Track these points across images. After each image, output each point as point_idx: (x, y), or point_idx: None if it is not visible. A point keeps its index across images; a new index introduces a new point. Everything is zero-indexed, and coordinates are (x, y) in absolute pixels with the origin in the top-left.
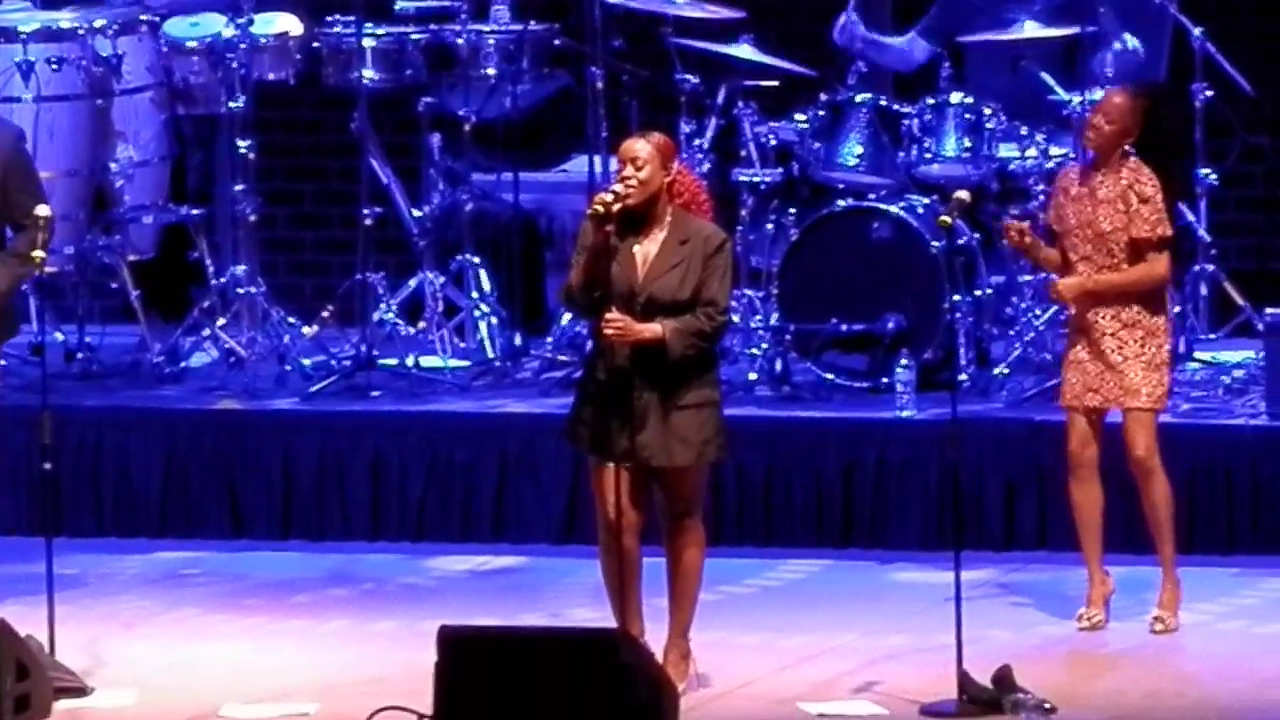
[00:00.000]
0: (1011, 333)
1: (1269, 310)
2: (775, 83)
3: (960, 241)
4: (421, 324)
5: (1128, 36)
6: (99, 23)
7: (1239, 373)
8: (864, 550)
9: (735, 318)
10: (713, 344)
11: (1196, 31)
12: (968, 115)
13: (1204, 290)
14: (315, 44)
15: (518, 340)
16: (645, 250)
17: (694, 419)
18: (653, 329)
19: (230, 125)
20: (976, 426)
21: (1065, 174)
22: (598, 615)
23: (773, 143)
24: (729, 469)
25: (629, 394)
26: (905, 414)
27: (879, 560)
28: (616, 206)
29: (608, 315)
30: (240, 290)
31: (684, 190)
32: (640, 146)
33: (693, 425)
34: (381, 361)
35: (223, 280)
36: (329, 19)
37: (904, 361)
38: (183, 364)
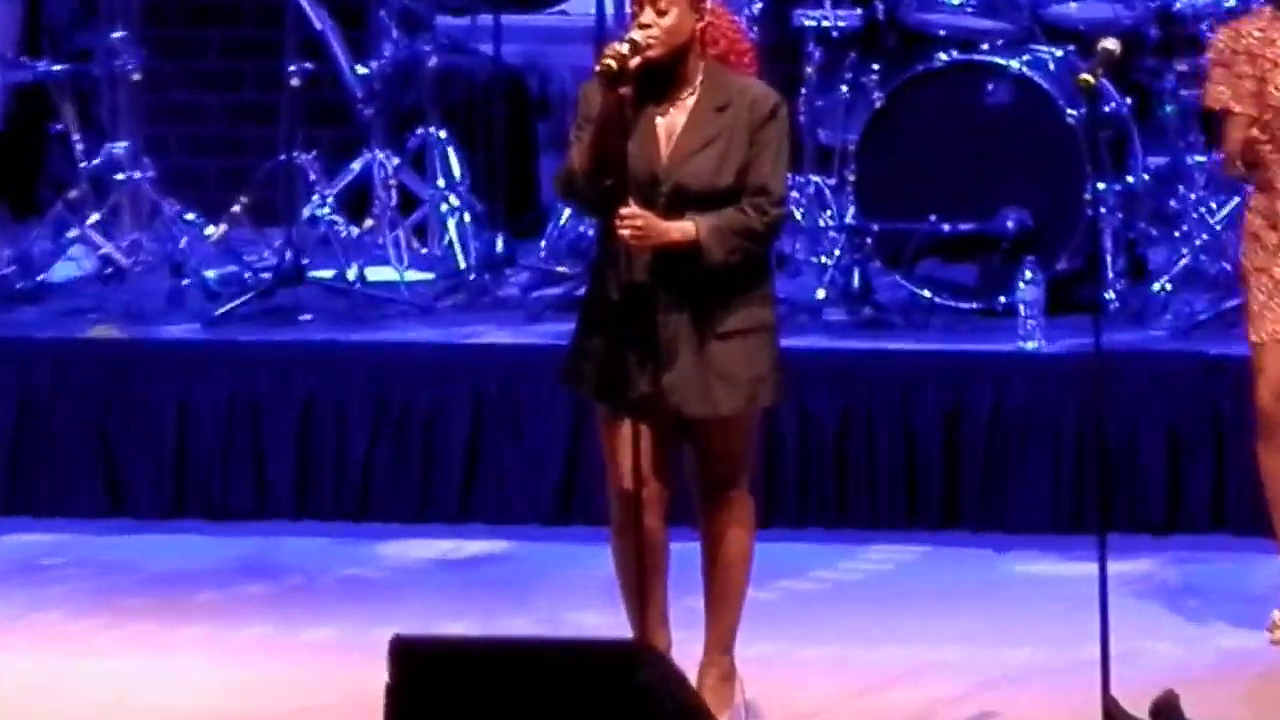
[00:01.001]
0: (1177, 235)
1: None
2: None
3: (1107, 109)
4: (368, 222)
5: None
6: None
7: None
8: (974, 532)
9: (796, 212)
10: (765, 247)
11: None
12: None
13: None
14: None
15: (499, 245)
16: (671, 121)
17: (740, 351)
18: (683, 228)
19: None
20: (1129, 363)
21: (1238, 28)
22: (608, 621)
23: None
24: (788, 420)
25: (651, 318)
26: (1031, 345)
27: (994, 547)
28: (634, 62)
29: (622, 211)
30: (120, 175)
31: (719, 38)
32: None
33: (739, 359)
34: (313, 274)
35: (95, 162)
36: None
37: (1029, 274)
38: (40, 277)
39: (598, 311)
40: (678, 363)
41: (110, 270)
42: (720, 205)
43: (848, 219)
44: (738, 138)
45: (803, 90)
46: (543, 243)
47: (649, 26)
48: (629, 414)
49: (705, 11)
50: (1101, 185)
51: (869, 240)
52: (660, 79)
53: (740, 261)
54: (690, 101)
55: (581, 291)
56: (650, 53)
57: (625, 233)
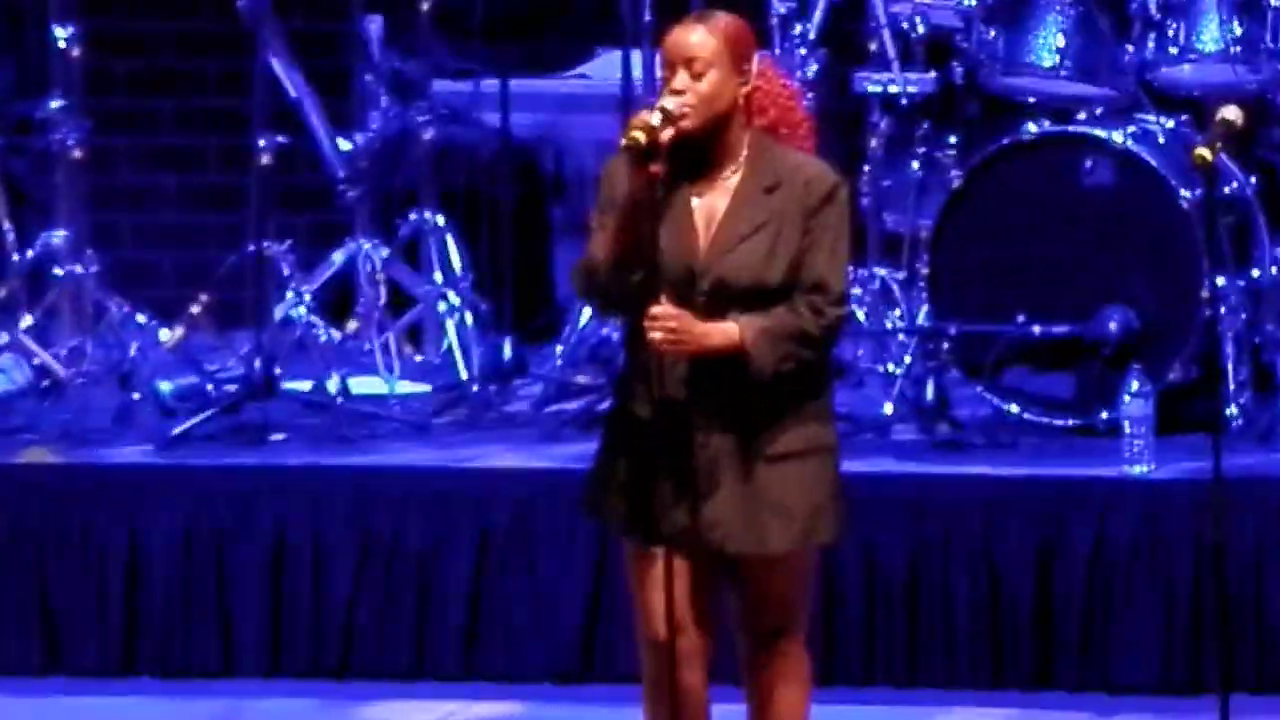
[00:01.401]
0: None
1: None
2: None
3: (1228, 190)
4: (352, 324)
5: None
6: None
7: None
8: (1071, 694)
9: (859, 312)
10: (821, 353)
11: None
12: None
13: None
14: None
15: (507, 351)
16: (710, 204)
17: (793, 477)
18: (725, 331)
19: (42, 4)
20: (1254, 491)
21: None
22: None
23: (921, 30)
24: (851, 558)
25: (687, 439)
26: (1138, 470)
27: (1096, 710)
28: (665, 134)
29: (653, 310)
30: (58, 270)
31: (769, 105)
32: (699, 37)
33: (791, 487)
34: (287, 385)
35: (30, 254)
36: None
37: (1135, 385)
38: None
39: (625, 430)
40: (719, 491)
41: (47, 383)
42: (769, 304)
43: (920, 320)
44: (790, 224)
45: (866, 167)
46: (558, 349)
47: (683, 93)
48: (663, 549)
49: (751, 75)
50: (1221, 280)
51: (945, 345)
52: (698, 154)
53: (793, 370)
54: (734, 181)
55: (605, 406)
56: (685, 123)
57: (657, 336)
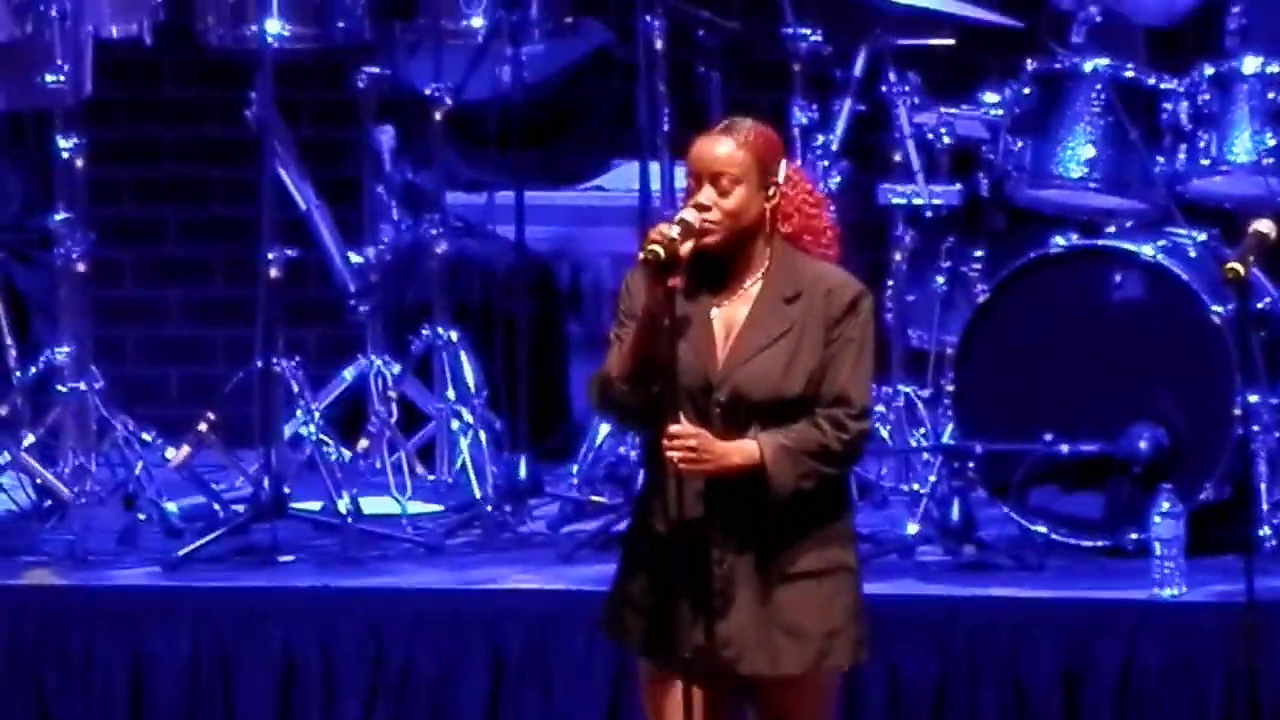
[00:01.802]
0: None
1: None
2: (951, 42)
3: (1260, 305)
4: (364, 443)
5: None
6: None
7: None
8: None
9: (883, 430)
10: (843, 470)
11: None
12: (1273, 94)
13: None
14: None
15: (523, 470)
16: (730, 314)
17: (811, 597)
18: (745, 449)
19: (46, 114)
20: None
21: None
22: None
23: (946, 141)
24: (874, 682)
25: (705, 557)
26: (1168, 593)
27: None
28: (685, 247)
29: (671, 429)
30: (62, 387)
31: (793, 212)
32: (727, 150)
33: (809, 608)
34: (296, 505)
35: (33, 370)
36: None
37: (1166, 505)
38: None
39: (643, 549)
40: (734, 610)
41: (49, 503)
42: (789, 417)
43: (945, 438)
44: (810, 335)
45: (890, 282)
46: (575, 467)
47: (707, 209)
48: (680, 673)
49: (778, 186)
50: (1254, 398)
51: (971, 464)
52: (719, 265)
53: (814, 487)
54: (754, 290)
55: (622, 526)
56: (708, 239)
57: (675, 456)
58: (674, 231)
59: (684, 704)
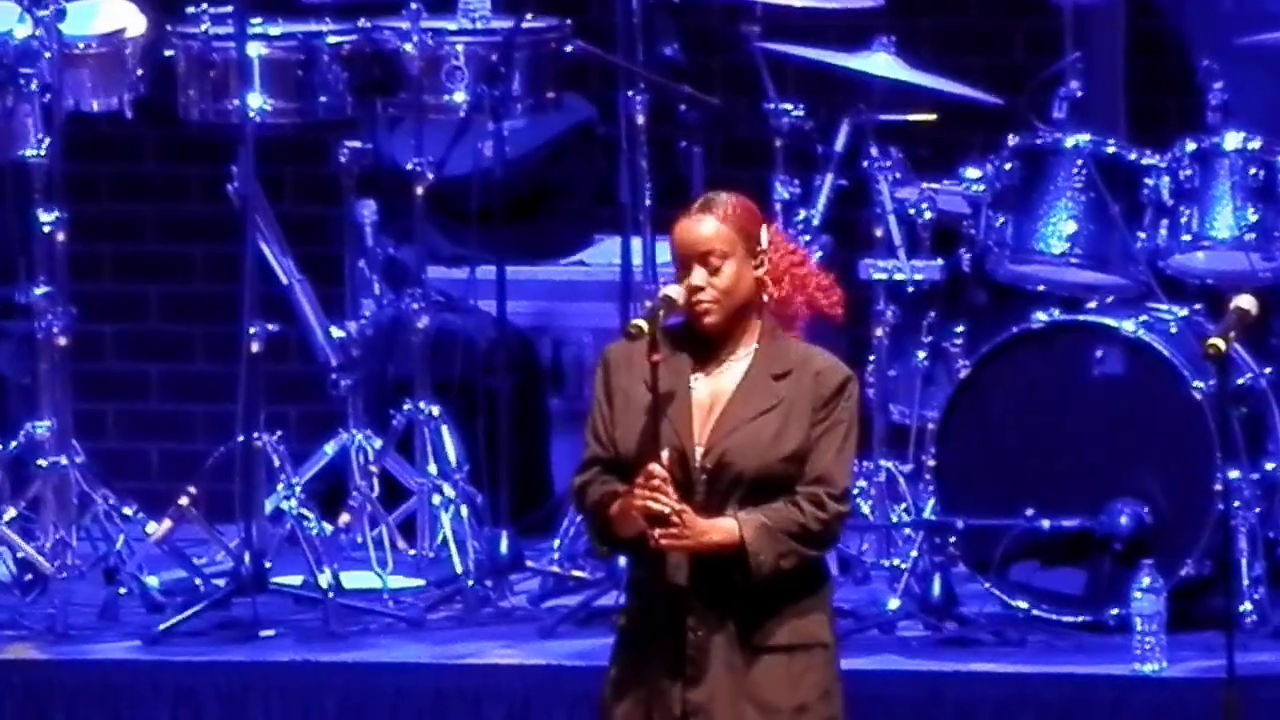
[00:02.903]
0: None
1: None
2: (932, 117)
3: (1241, 381)
4: (345, 518)
5: None
6: None
7: None
8: None
9: (864, 505)
10: (822, 550)
11: None
12: (1255, 170)
13: None
14: (168, 51)
15: (504, 545)
16: (715, 385)
17: (785, 672)
18: (725, 529)
19: (25, 187)
20: (1269, 691)
21: None
22: None
23: (928, 216)
24: None
25: (681, 628)
26: (1149, 668)
27: None
28: (665, 319)
29: (652, 468)
30: (42, 461)
31: (783, 274)
32: (711, 228)
33: (780, 682)
34: (277, 580)
35: (14, 445)
36: (190, 9)
37: (1147, 581)
38: None
39: (630, 629)
40: (706, 680)
41: (29, 577)
42: (770, 494)
43: (926, 514)
44: (798, 412)
45: (872, 356)
46: (556, 542)
47: (701, 289)
48: None
49: (764, 255)
50: (1235, 473)
51: (952, 540)
52: (705, 339)
53: (793, 568)
54: (743, 364)
55: (603, 601)
56: (709, 319)
57: (663, 540)
58: (657, 305)
59: None
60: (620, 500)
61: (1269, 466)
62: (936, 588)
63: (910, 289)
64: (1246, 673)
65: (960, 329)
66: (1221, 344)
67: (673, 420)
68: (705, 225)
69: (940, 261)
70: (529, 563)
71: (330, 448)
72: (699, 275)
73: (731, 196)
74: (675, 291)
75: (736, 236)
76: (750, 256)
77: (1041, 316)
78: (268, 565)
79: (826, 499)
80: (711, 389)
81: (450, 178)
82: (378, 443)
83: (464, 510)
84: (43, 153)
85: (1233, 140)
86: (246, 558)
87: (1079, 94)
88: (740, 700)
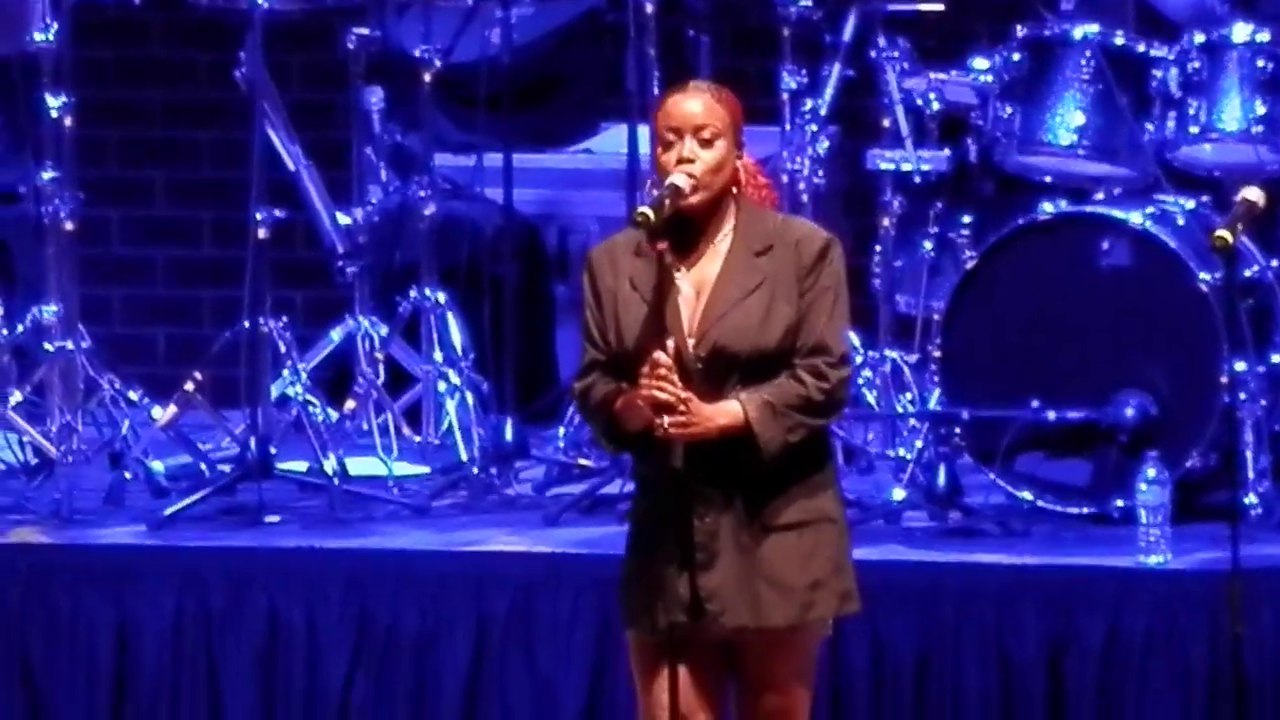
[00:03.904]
0: None
1: None
2: (940, 7)
3: (1248, 273)
4: (350, 404)
5: None
6: None
7: None
8: None
9: (869, 395)
10: (828, 419)
11: None
12: (1263, 62)
13: None
14: None
15: (509, 432)
16: (700, 274)
17: (794, 549)
18: (730, 411)
19: (32, 72)
20: (1273, 582)
21: None
22: None
23: (935, 107)
24: (857, 646)
25: (688, 513)
26: (1154, 560)
27: None
28: (670, 206)
29: (657, 356)
30: (49, 346)
31: (746, 180)
32: (708, 106)
33: (793, 560)
34: (283, 466)
35: (20, 328)
36: None
37: (1152, 473)
38: None
39: (640, 521)
40: (718, 564)
41: (36, 461)
42: (768, 371)
43: (932, 404)
44: (783, 286)
45: (878, 247)
46: (561, 430)
47: (692, 161)
48: (666, 637)
49: (743, 148)
50: (1241, 365)
51: (957, 430)
52: (688, 226)
53: (800, 440)
54: (723, 247)
55: (607, 489)
56: (694, 198)
57: (672, 429)
58: (664, 194)
59: (669, 678)
60: (625, 395)
61: (1275, 359)
62: (941, 478)
63: (917, 179)
64: (1251, 565)
65: (967, 220)
66: (1229, 236)
67: (667, 308)
68: (700, 100)
69: (947, 152)
70: (534, 450)
71: (336, 334)
72: (690, 147)
73: (716, 88)
74: (681, 180)
75: (729, 118)
76: (735, 145)
77: (1048, 208)
78: (273, 451)
79: (825, 367)
80: (696, 278)
81: (458, 64)
82: (384, 329)
83: (469, 397)
84: (50, 38)
85: (1241, 32)
86: (252, 443)
87: None
88: (754, 580)
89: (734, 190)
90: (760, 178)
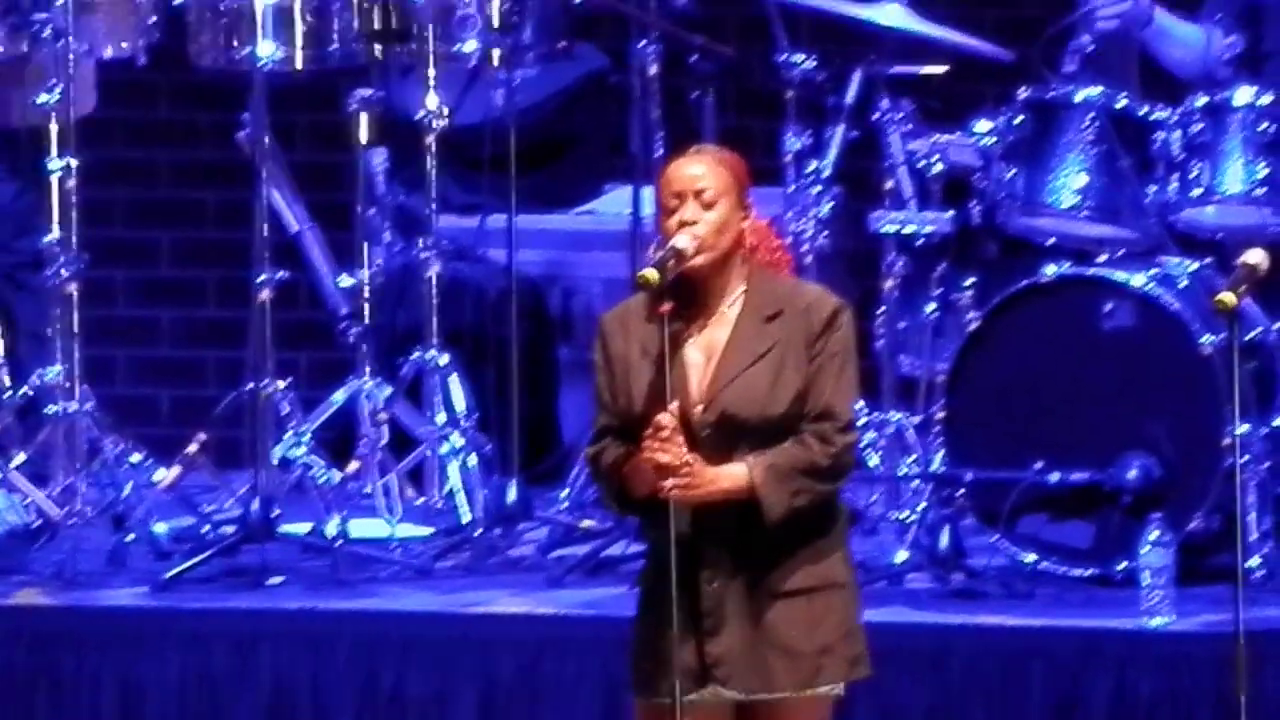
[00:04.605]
0: None
1: None
2: (944, 69)
3: (1251, 336)
4: (353, 465)
5: None
6: None
7: None
8: None
9: (873, 458)
10: (834, 484)
11: None
12: (1265, 124)
13: None
14: None
15: (512, 494)
16: (710, 339)
17: (803, 615)
18: (734, 474)
19: (37, 135)
20: (1278, 645)
21: None
22: None
23: (939, 168)
24: (863, 712)
25: (695, 578)
26: (1158, 622)
27: None
28: (674, 270)
29: (661, 418)
30: (52, 408)
31: (759, 243)
32: (709, 168)
33: (801, 626)
34: (285, 528)
35: (24, 391)
36: None
37: (1155, 535)
38: None
39: (650, 589)
40: (725, 631)
41: (39, 523)
42: (776, 437)
43: (935, 466)
44: (793, 352)
45: (882, 308)
46: (565, 491)
47: (694, 223)
48: (672, 704)
49: (750, 209)
50: (1244, 428)
51: (961, 492)
52: (696, 290)
53: (807, 505)
54: (733, 312)
55: (611, 550)
56: (698, 259)
57: (673, 490)
58: (667, 256)
59: None
60: (632, 458)
61: (1278, 421)
62: (945, 540)
63: (920, 241)
64: (1255, 627)
65: (970, 281)
66: (1231, 298)
67: (671, 380)
68: (701, 163)
69: (951, 214)
70: (537, 512)
71: (340, 395)
72: (692, 209)
73: (721, 151)
74: (684, 242)
75: (731, 180)
76: (741, 206)
77: (1051, 269)
78: (276, 513)
79: (831, 432)
80: (706, 343)
81: (462, 126)
82: (387, 391)
83: (472, 459)
84: (56, 98)
85: (1243, 95)
86: (255, 505)
87: (1091, 47)
88: (761, 646)
89: (743, 253)
90: (774, 239)
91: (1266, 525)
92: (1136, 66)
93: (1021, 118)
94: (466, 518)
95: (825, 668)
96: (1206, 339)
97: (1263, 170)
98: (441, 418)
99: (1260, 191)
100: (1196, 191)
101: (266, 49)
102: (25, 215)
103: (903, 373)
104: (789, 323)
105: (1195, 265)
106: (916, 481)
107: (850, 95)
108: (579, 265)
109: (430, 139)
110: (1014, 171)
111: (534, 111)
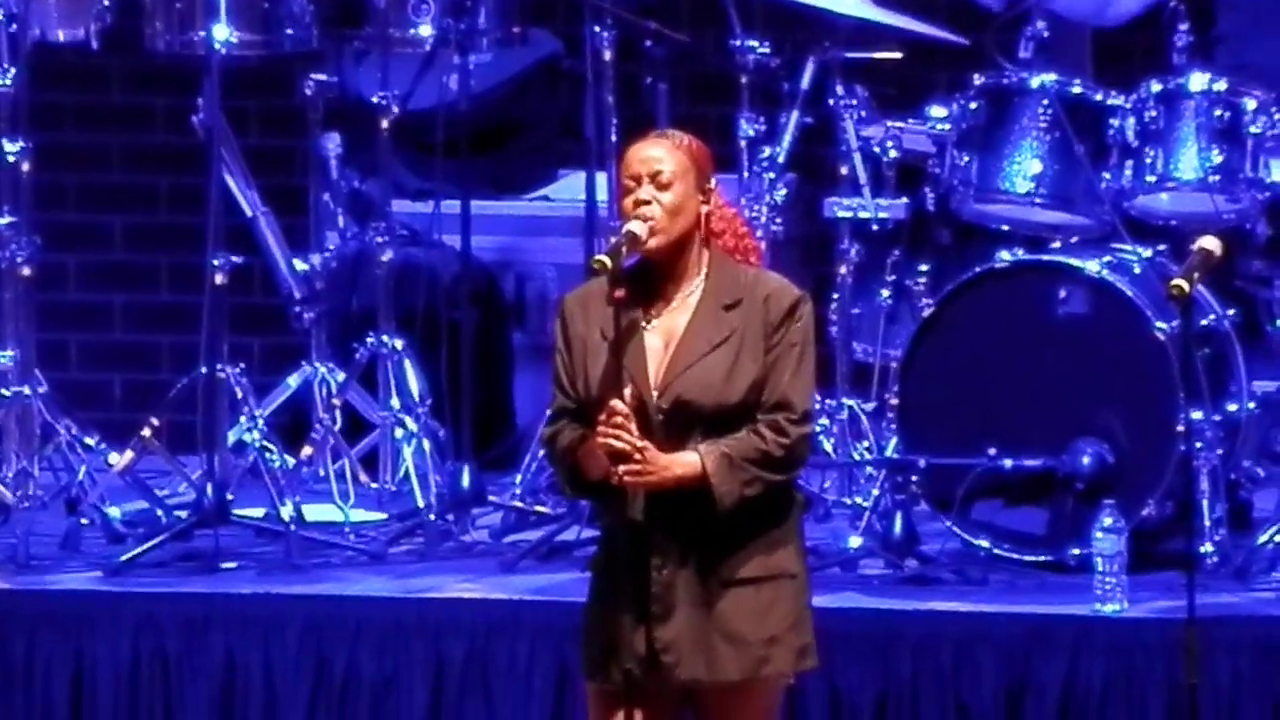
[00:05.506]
0: None
1: None
2: (898, 55)
3: (1204, 322)
4: (307, 450)
5: None
6: None
7: None
8: None
9: (827, 444)
10: (787, 475)
11: None
12: (1219, 111)
13: None
14: None
15: (466, 479)
16: (668, 324)
17: (752, 604)
18: (687, 461)
19: None
20: (1229, 631)
21: None
22: None
23: (893, 155)
24: (814, 699)
25: (645, 564)
26: (1109, 609)
27: None
28: (628, 256)
29: (614, 404)
30: (5, 392)
31: (725, 229)
32: (665, 152)
33: (749, 614)
34: (239, 512)
35: None
36: None
37: (1108, 521)
38: None
39: (602, 573)
40: (674, 617)
41: None
42: (731, 425)
43: (889, 452)
44: (750, 341)
45: (835, 295)
46: (518, 477)
47: (648, 203)
48: (623, 689)
49: (712, 194)
50: (1197, 414)
51: (914, 478)
52: (658, 274)
53: (758, 495)
54: (693, 300)
55: (564, 535)
56: (652, 242)
57: (626, 476)
58: (621, 241)
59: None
60: (587, 442)
61: (1231, 408)
62: (898, 526)
63: (875, 227)
64: (1207, 614)
65: (924, 268)
66: (1185, 285)
67: (628, 365)
68: (659, 148)
69: (905, 200)
70: (491, 497)
71: (293, 380)
72: (647, 190)
73: (684, 136)
74: (639, 228)
75: (689, 163)
76: (699, 191)
77: (1006, 256)
78: (230, 497)
79: (786, 423)
80: (665, 329)
81: (416, 111)
82: (341, 376)
83: (426, 444)
84: (8, 82)
85: (1198, 81)
86: (208, 489)
87: (1045, 34)
88: (709, 634)
89: (704, 239)
90: (742, 227)
91: (1219, 512)
92: (1090, 53)
93: (976, 104)
94: (420, 503)
95: (772, 657)
96: (1160, 325)
97: (1217, 157)
98: (395, 403)
99: (1214, 178)
100: (1151, 178)
101: (221, 33)
102: None
103: (857, 359)
104: (748, 312)
105: (1149, 252)
106: (870, 468)
107: (805, 81)
108: (533, 251)
109: (384, 124)
110: (968, 158)
111: (488, 96)
